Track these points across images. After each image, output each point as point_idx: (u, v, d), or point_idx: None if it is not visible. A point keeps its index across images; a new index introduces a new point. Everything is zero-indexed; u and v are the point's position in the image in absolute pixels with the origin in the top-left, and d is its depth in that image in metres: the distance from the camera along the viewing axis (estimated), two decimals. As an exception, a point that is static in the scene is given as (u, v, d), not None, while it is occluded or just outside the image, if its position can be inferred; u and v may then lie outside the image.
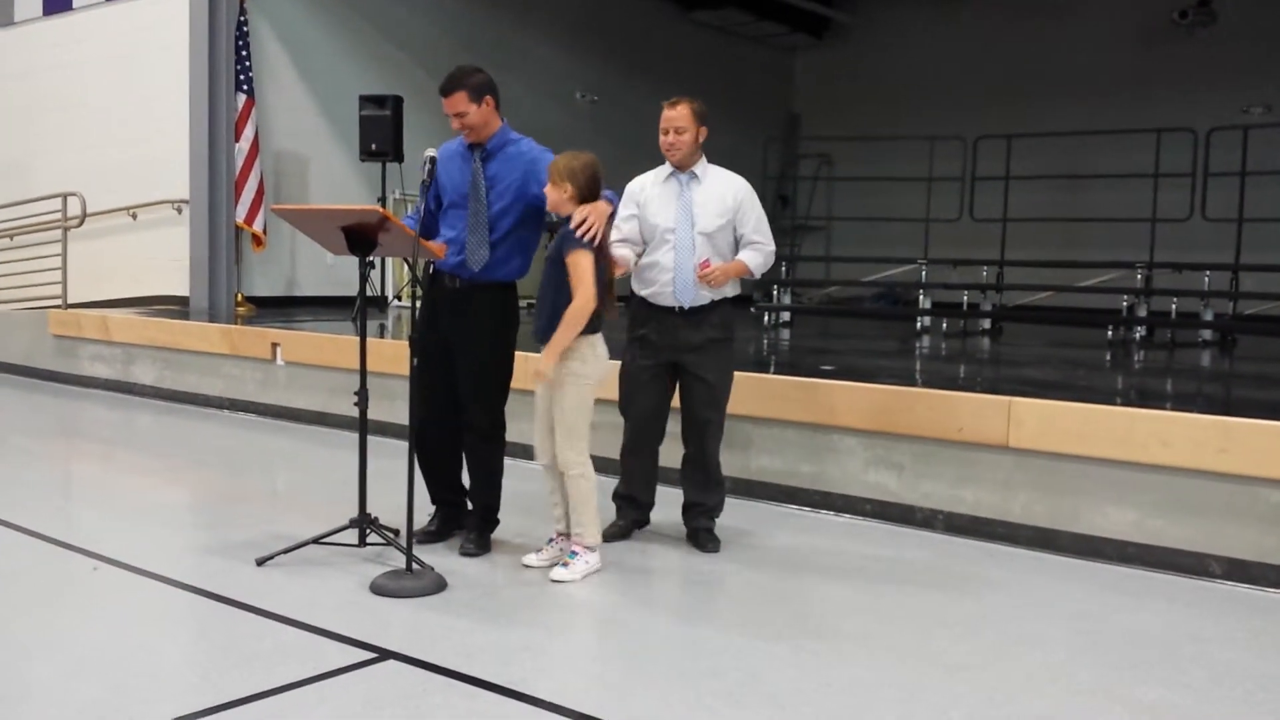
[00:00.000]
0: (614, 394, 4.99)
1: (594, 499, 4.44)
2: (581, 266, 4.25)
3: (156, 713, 3.06)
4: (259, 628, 3.79)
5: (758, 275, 4.89)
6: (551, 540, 4.55)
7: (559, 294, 4.29)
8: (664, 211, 4.78)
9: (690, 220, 4.73)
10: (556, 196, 4.30)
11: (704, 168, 4.86)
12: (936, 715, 3.19)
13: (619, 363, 4.75)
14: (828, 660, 3.62)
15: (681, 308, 4.75)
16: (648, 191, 4.85)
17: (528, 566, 4.48)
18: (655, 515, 5.15)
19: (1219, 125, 11.10)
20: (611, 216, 4.39)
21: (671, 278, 4.74)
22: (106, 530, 5.10)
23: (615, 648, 3.69)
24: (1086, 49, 14.79)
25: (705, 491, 4.97)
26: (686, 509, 5.01)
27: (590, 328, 4.33)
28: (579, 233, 4.23)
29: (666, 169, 4.86)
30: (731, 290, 4.87)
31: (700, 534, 4.93)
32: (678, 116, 4.76)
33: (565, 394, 4.35)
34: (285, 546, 4.51)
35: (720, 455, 5.00)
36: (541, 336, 4.36)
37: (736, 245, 4.83)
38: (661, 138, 4.79)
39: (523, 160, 4.56)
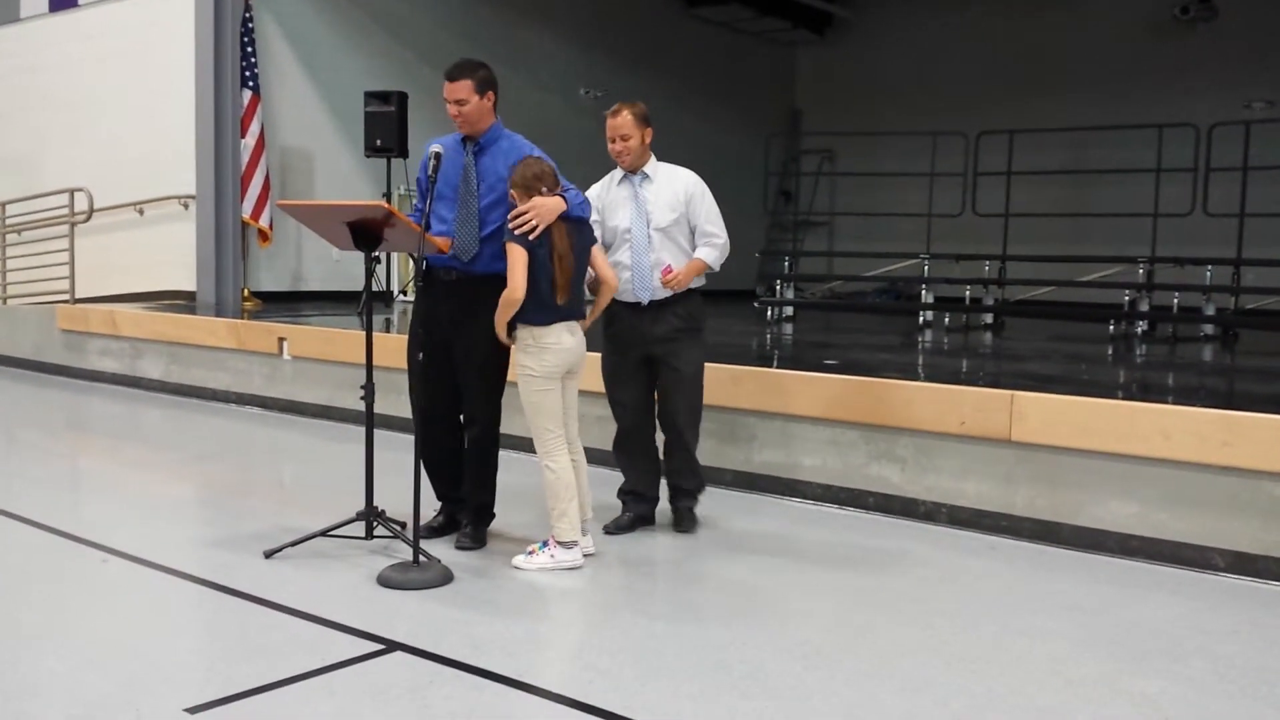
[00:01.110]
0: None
1: (563, 494, 4.43)
2: (513, 258, 4.28)
3: (166, 704, 3.09)
4: (267, 620, 3.82)
5: (717, 269, 5.01)
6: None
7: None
8: (621, 213, 4.92)
9: (645, 218, 4.89)
10: (520, 199, 4.34)
11: (654, 166, 5.00)
12: (939, 707, 3.22)
13: (579, 357, 4.67)
14: (832, 653, 3.64)
15: (642, 303, 4.90)
16: (605, 198, 4.98)
17: (516, 568, 4.48)
18: (659, 510, 5.18)
19: (1221, 120, 11.10)
20: (568, 215, 4.36)
21: (631, 275, 4.88)
22: (115, 523, 5.14)
23: (621, 640, 3.72)
24: (1088, 44, 14.78)
25: (684, 476, 5.11)
26: (671, 493, 5.16)
27: (536, 319, 4.36)
28: (511, 225, 4.28)
29: (619, 173, 4.99)
30: (694, 283, 4.99)
31: (682, 514, 5.11)
32: (622, 124, 4.87)
33: (520, 386, 4.42)
34: (293, 539, 4.53)
35: (698, 442, 5.14)
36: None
37: (693, 236, 4.98)
38: (610, 145, 4.92)
39: (514, 155, 4.58)
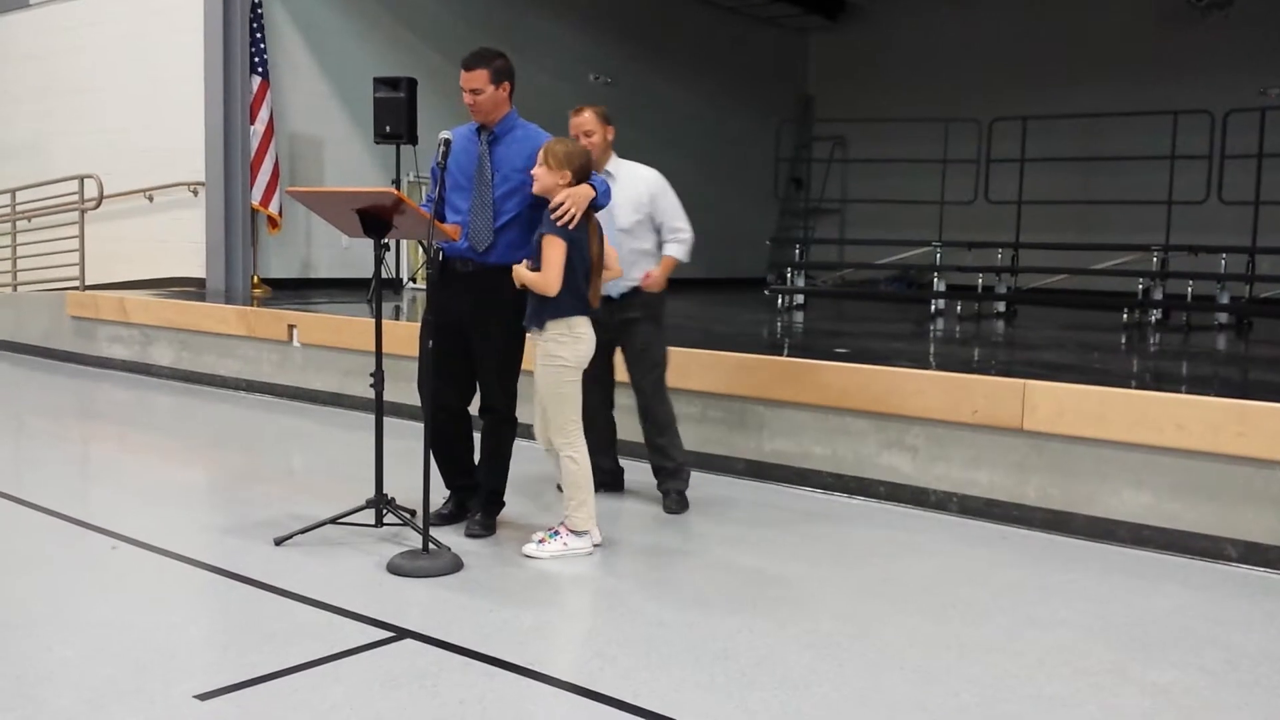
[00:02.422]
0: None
1: (584, 484, 4.44)
2: (552, 252, 4.26)
3: (176, 690, 3.09)
4: (277, 607, 3.82)
5: (687, 261, 5.23)
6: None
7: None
8: None
9: (610, 217, 4.96)
10: (550, 181, 4.30)
11: (616, 164, 5.14)
12: (949, 697, 3.20)
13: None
14: (840, 642, 3.63)
15: (609, 296, 5.01)
16: None
17: (527, 557, 4.47)
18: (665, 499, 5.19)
19: (1236, 107, 11.03)
20: (595, 203, 4.39)
21: None
22: (125, 510, 5.15)
23: (630, 629, 3.71)
24: (1103, 31, 14.69)
25: (663, 455, 5.27)
26: (655, 474, 5.35)
27: (568, 309, 4.35)
28: (554, 217, 4.25)
29: None
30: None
31: (669, 495, 5.25)
32: (585, 121, 5.00)
33: (542, 376, 4.40)
34: (303, 526, 4.54)
35: (672, 424, 5.30)
36: (530, 323, 4.40)
37: (657, 233, 5.17)
38: None
39: (529, 145, 4.55)
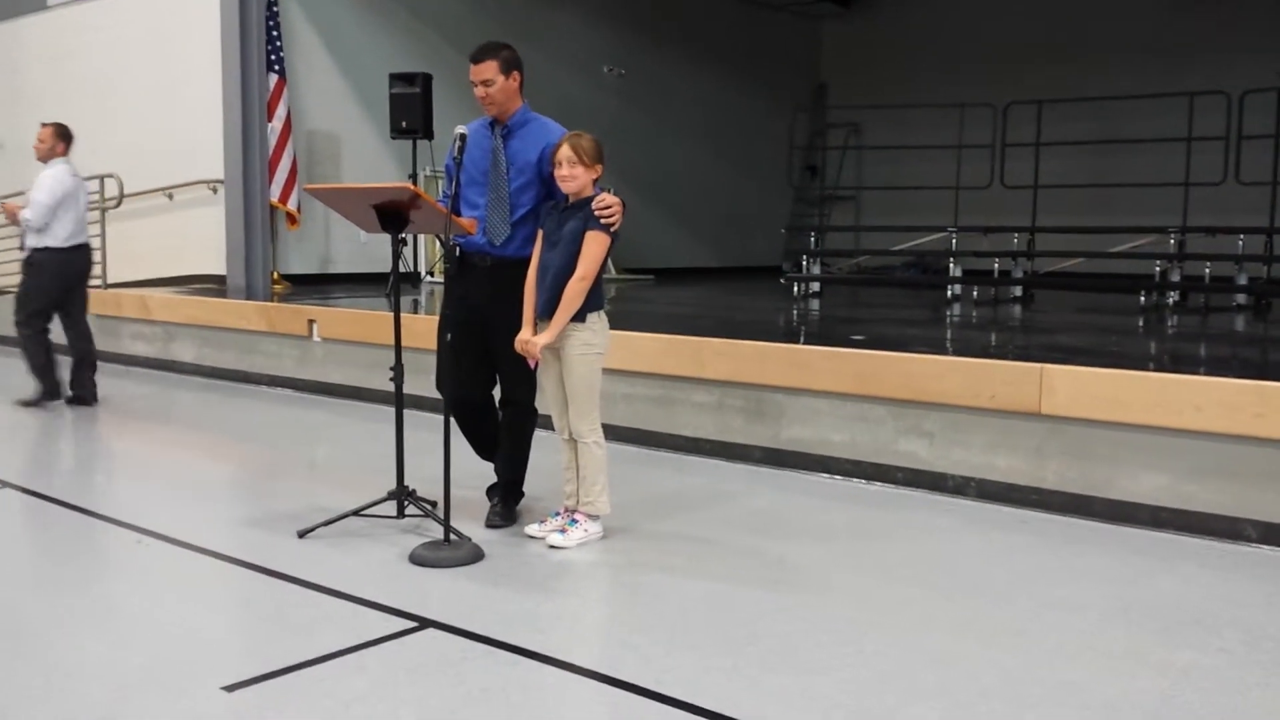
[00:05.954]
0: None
1: (606, 468, 4.50)
2: (598, 245, 4.32)
3: (203, 682, 3.13)
4: (301, 598, 3.87)
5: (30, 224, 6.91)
6: (558, 514, 4.61)
7: (569, 273, 4.35)
8: None
9: None
10: (587, 178, 4.33)
11: None
12: (970, 681, 3.22)
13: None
14: (861, 627, 3.65)
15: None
16: None
17: (530, 536, 4.56)
18: (689, 487, 5.19)
19: (1253, 87, 10.95)
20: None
21: None
22: (150, 505, 5.20)
23: (651, 616, 3.74)
24: (1118, 11, 14.58)
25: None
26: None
27: (597, 304, 4.44)
28: (606, 219, 4.30)
29: None
30: None
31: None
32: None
33: (578, 365, 4.43)
34: (326, 519, 4.58)
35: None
36: (545, 313, 4.41)
37: None
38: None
39: (543, 138, 4.56)
